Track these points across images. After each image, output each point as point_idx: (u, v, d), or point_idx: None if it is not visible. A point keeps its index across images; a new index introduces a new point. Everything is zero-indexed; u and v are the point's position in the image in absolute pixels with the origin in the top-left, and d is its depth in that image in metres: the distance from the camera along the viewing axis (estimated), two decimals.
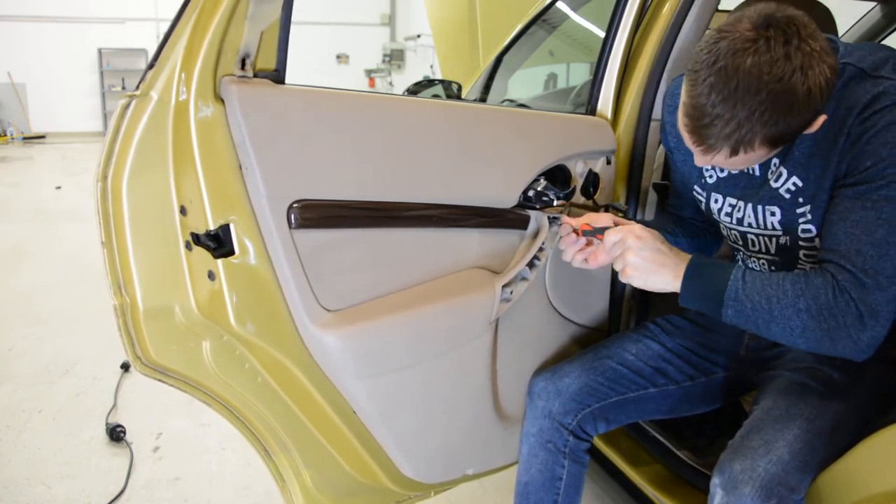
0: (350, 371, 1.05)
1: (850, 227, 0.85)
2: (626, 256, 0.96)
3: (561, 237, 1.10)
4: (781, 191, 0.96)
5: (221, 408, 1.03)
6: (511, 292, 1.20)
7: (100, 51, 9.99)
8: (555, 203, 1.22)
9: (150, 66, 0.87)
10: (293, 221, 0.94)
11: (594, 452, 1.37)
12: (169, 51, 0.86)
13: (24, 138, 9.53)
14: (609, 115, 1.32)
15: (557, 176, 1.25)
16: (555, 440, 1.16)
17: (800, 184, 0.93)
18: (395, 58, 10.84)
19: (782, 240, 1.01)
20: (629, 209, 1.36)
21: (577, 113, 1.36)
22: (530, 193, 1.20)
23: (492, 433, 1.30)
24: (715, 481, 0.92)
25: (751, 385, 1.20)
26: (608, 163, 1.31)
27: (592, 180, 1.29)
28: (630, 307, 1.47)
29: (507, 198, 1.18)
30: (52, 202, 5.44)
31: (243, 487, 1.77)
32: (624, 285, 1.41)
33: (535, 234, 1.23)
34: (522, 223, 1.21)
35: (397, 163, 1.04)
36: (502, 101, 2.17)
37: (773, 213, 0.99)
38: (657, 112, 1.31)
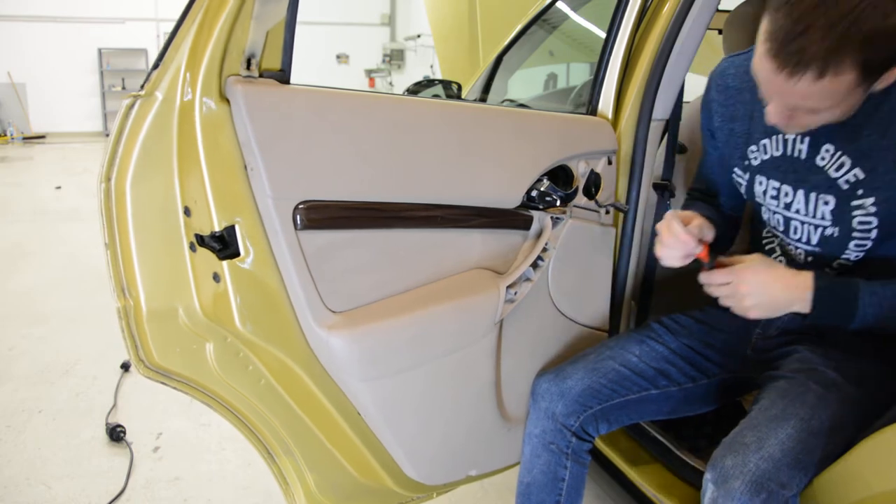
0: (355, 373, 1.04)
1: None
2: (742, 301, 0.96)
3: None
4: (840, 181, 0.95)
5: (224, 410, 1.02)
6: (515, 293, 1.20)
7: (100, 51, 9.98)
8: (558, 203, 1.22)
9: (155, 66, 0.86)
10: (299, 222, 0.93)
11: (595, 453, 1.37)
12: (174, 51, 0.85)
13: (24, 138, 9.52)
14: (610, 115, 1.32)
15: (560, 176, 1.25)
16: (557, 441, 1.16)
17: (861, 175, 0.93)
18: (395, 58, 10.83)
19: (829, 231, 1.00)
20: (629, 209, 1.36)
21: (578, 113, 1.36)
22: (534, 194, 1.20)
23: (495, 434, 1.30)
24: (707, 476, 0.93)
25: (752, 385, 1.20)
26: (609, 163, 1.31)
27: (594, 180, 1.29)
28: (630, 308, 1.47)
29: (511, 198, 1.18)
30: (52, 202, 5.43)
31: (243, 487, 1.76)
32: (625, 286, 1.41)
33: (539, 235, 1.23)
34: (526, 224, 1.21)
35: (403, 163, 1.03)
36: (502, 101, 2.17)
37: (826, 203, 0.98)
38: (657, 112, 1.31)
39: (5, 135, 9.45)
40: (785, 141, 1.02)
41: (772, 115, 0.88)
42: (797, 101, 0.83)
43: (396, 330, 1.05)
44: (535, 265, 1.22)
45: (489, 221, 1.16)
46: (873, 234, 0.96)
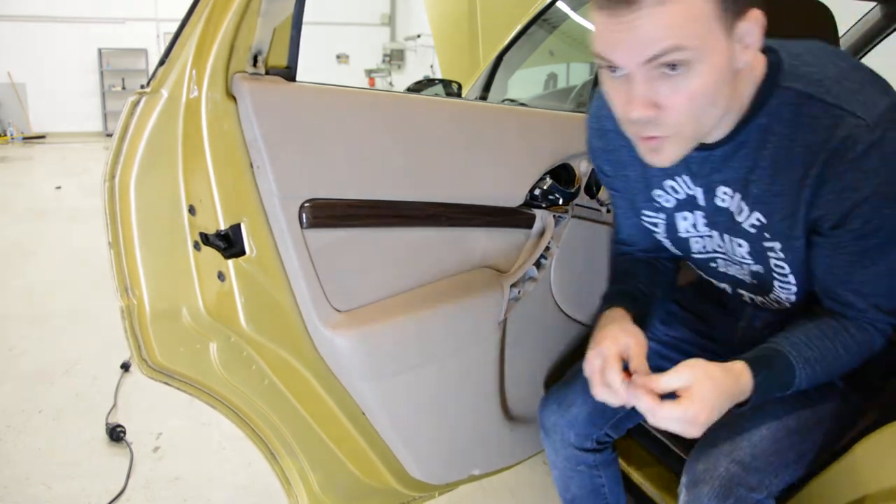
0: (360, 372, 1.04)
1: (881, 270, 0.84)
2: (700, 428, 0.79)
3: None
4: (746, 226, 0.89)
5: (227, 411, 1.02)
6: (519, 292, 1.20)
7: (100, 51, 9.97)
8: (560, 202, 1.22)
9: (161, 63, 0.85)
10: (305, 221, 0.93)
11: None
12: (180, 47, 0.84)
13: (24, 138, 9.51)
14: None
15: (562, 175, 1.25)
16: (584, 462, 1.15)
17: (764, 221, 0.87)
18: (395, 58, 10.83)
19: (755, 268, 0.95)
20: None
21: (580, 112, 1.36)
22: (536, 192, 1.20)
23: (499, 433, 1.30)
24: (683, 480, 0.93)
25: None
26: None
27: (596, 179, 1.29)
28: None
29: (514, 197, 1.18)
30: (52, 202, 5.43)
31: (243, 487, 1.76)
32: None
33: (541, 233, 1.23)
34: (528, 222, 1.22)
35: (408, 161, 1.03)
36: (502, 101, 2.17)
37: (740, 245, 0.93)
38: None
39: (5, 135, 9.44)
40: (686, 185, 0.93)
41: (636, 106, 0.71)
42: (649, 44, 0.67)
43: (401, 329, 1.05)
44: (537, 264, 1.23)
45: (492, 220, 1.16)
46: (791, 279, 0.91)
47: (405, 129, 1.02)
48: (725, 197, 0.89)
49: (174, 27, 0.87)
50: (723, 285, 1.07)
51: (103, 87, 10.12)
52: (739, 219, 0.89)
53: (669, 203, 0.98)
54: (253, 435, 1.06)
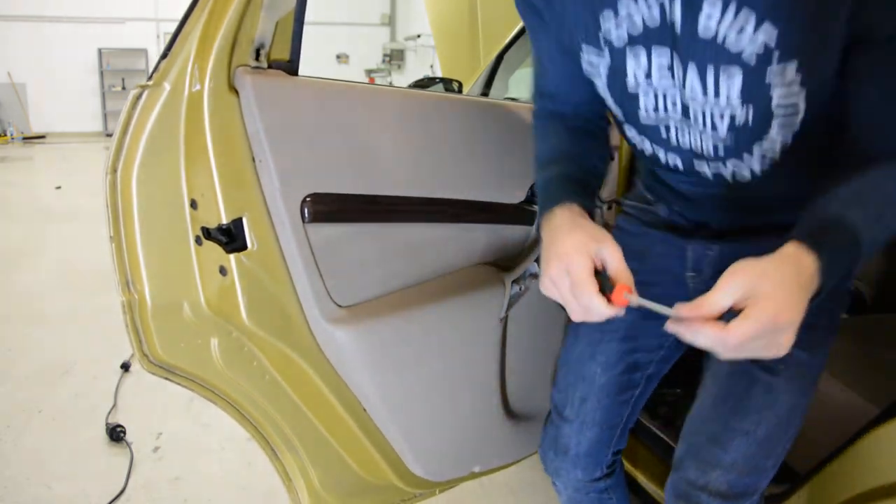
0: (361, 367, 1.04)
1: None
2: (784, 346, 0.59)
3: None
4: (746, 53, 0.67)
5: (228, 406, 1.01)
6: (520, 288, 1.20)
7: (100, 51, 9.99)
8: None
9: (164, 56, 0.85)
10: (307, 215, 0.92)
11: None
12: (182, 41, 0.84)
13: (24, 138, 9.52)
14: None
15: None
16: (594, 489, 1.10)
17: (776, 36, 0.65)
18: (395, 58, 10.85)
19: (742, 113, 0.72)
20: None
21: None
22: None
23: (500, 430, 1.30)
24: None
25: None
26: (611, 159, 1.31)
27: None
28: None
29: (515, 193, 1.18)
30: (52, 202, 5.43)
31: (243, 487, 1.76)
32: None
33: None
34: (530, 219, 1.22)
35: (410, 157, 1.03)
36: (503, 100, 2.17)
37: (730, 76, 0.69)
38: None
39: (5, 135, 9.44)
40: (661, 4, 0.70)
41: None
42: None
43: (403, 325, 1.05)
44: (539, 260, 1.22)
45: (494, 216, 1.17)
46: (800, 114, 0.71)
47: (407, 124, 1.03)
48: (714, 13, 0.66)
49: (174, 27, 0.87)
50: (672, 160, 0.86)
51: (103, 87, 10.13)
52: (737, 45, 0.67)
53: (620, 38, 0.74)
54: (253, 431, 1.05)
